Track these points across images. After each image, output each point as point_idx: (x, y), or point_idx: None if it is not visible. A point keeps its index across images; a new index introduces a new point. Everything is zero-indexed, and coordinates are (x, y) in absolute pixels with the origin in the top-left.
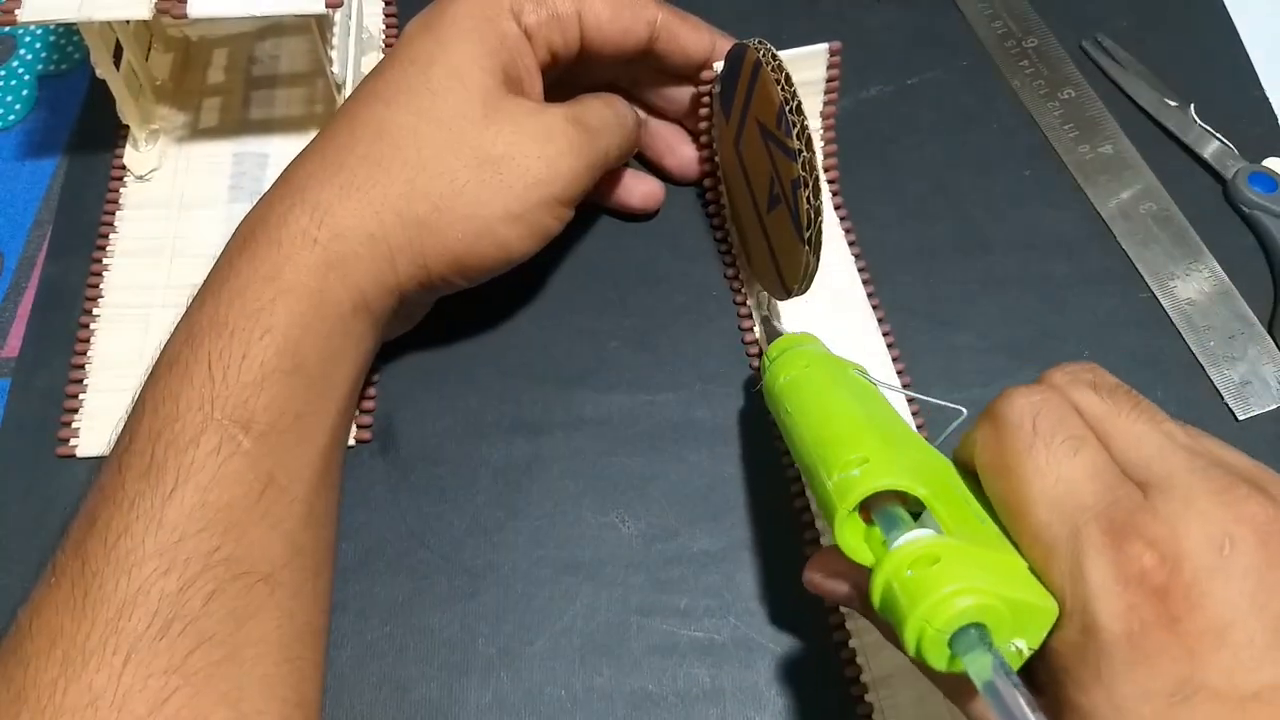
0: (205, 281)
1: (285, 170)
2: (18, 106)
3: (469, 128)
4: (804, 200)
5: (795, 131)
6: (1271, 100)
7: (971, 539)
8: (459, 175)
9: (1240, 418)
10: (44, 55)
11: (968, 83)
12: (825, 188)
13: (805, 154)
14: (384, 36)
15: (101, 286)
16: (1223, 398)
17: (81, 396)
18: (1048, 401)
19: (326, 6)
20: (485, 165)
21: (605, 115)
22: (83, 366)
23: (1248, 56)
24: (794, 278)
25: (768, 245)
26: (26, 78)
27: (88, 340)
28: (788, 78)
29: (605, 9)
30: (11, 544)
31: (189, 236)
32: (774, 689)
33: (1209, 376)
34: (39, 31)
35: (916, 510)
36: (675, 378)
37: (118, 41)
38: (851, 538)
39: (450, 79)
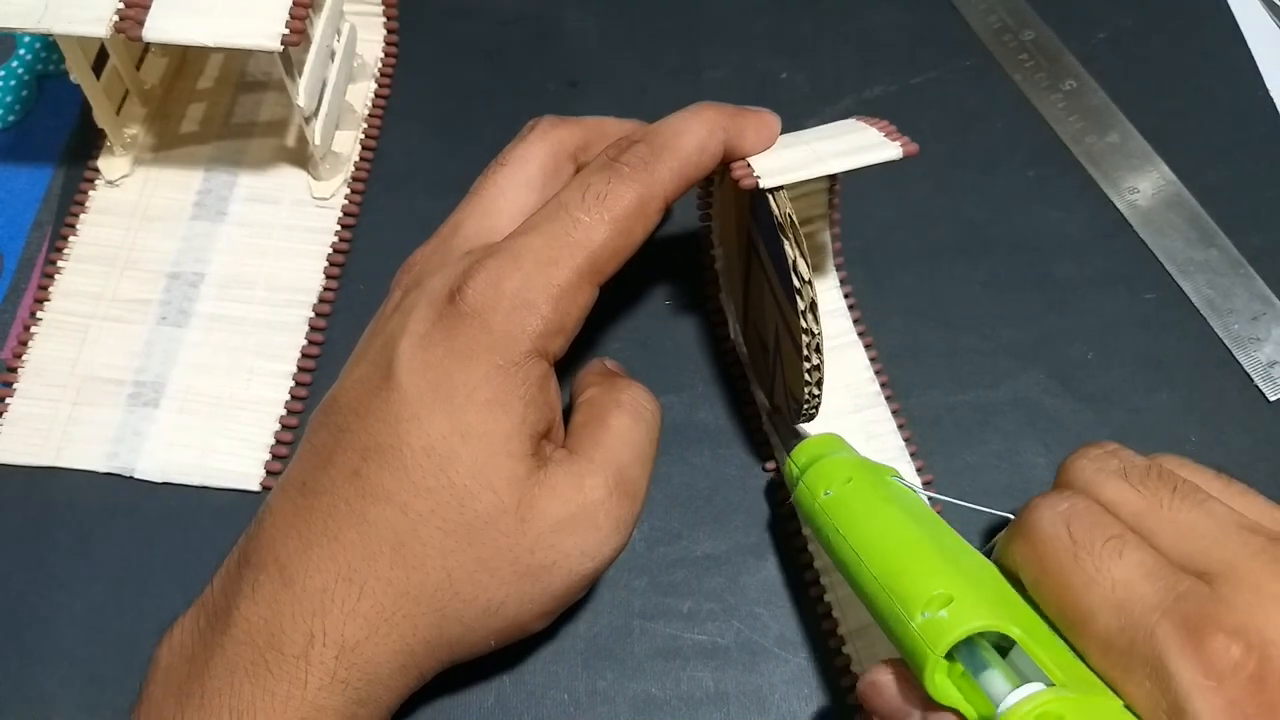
0: (186, 691)
1: (276, 550)
2: (18, 107)
3: (504, 538)
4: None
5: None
6: (1275, 99)
7: (1071, 678)
8: (495, 594)
9: (1271, 399)
10: (44, 55)
11: (971, 81)
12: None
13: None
14: (380, 65)
15: (51, 290)
16: (1252, 380)
17: (8, 400)
18: (1075, 507)
19: (281, 44)
20: (525, 578)
21: (644, 450)
22: (15, 370)
23: (1251, 54)
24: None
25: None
26: (26, 78)
27: (26, 344)
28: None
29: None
30: None
31: (143, 249)
32: (778, 693)
33: (1237, 360)
34: None
35: (996, 641)
36: (678, 380)
37: (102, 46)
38: (943, 683)
39: (477, 479)
